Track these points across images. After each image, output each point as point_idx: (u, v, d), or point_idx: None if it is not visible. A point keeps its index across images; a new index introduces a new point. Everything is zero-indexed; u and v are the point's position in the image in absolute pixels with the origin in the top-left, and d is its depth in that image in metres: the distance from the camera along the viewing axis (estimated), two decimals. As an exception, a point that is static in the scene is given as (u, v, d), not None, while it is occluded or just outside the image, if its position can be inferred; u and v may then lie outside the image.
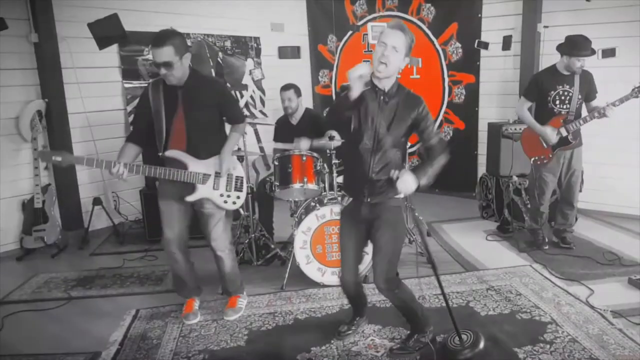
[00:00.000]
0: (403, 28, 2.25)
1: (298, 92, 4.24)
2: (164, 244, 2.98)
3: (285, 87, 4.23)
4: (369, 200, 2.40)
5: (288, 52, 5.75)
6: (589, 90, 3.79)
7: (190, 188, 2.85)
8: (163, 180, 2.87)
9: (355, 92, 2.15)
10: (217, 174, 2.90)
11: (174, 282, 3.23)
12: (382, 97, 2.30)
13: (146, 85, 2.87)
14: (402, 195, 2.41)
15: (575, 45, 3.66)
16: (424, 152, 2.45)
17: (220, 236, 3.01)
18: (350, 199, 2.49)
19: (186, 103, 2.79)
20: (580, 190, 4.12)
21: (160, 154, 2.82)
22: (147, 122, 2.81)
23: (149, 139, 2.83)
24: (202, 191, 2.87)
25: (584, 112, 3.83)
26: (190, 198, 2.85)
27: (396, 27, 2.25)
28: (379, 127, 2.31)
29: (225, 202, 2.95)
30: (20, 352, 2.82)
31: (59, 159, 2.64)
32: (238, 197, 2.99)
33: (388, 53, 2.21)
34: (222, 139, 2.96)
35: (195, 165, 2.84)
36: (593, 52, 3.69)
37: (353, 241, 2.53)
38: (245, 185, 3.04)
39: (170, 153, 2.81)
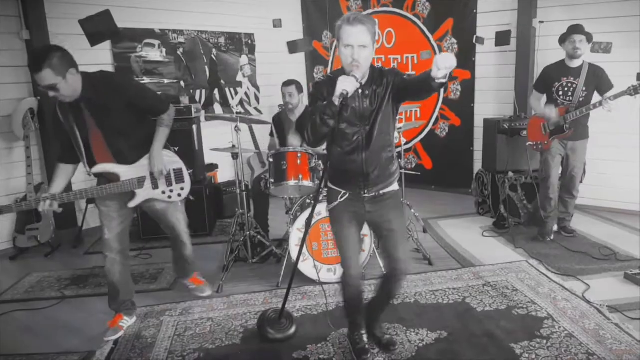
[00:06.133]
0: (362, 20, 2.08)
1: (300, 89, 4.24)
2: (103, 246, 2.87)
3: (287, 83, 4.22)
4: (365, 193, 2.33)
5: (297, 46, 5.49)
6: (599, 84, 3.83)
7: (130, 194, 2.81)
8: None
9: (336, 103, 2.07)
10: (153, 174, 2.84)
11: (108, 290, 3.00)
12: (360, 91, 2.20)
13: (55, 103, 2.66)
14: (396, 187, 2.40)
15: (569, 29, 3.85)
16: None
17: (181, 224, 3.08)
18: (347, 194, 2.35)
19: (94, 114, 2.62)
20: (581, 181, 4.16)
21: (87, 172, 2.72)
22: (67, 139, 2.67)
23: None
24: (142, 194, 2.84)
25: None
26: (132, 204, 2.83)
27: (355, 23, 2.07)
28: (363, 122, 2.23)
29: (170, 197, 2.95)
30: (14, 352, 2.79)
31: None
32: (182, 189, 2.97)
33: (358, 55, 2.08)
34: (150, 134, 2.81)
35: (127, 173, 2.76)
36: (589, 36, 3.81)
37: (355, 233, 2.43)
38: (186, 173, 2.97)
39: (98, 168, 2.72)
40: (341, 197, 2.35)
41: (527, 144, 4.16)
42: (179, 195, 2.98)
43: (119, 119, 2.66)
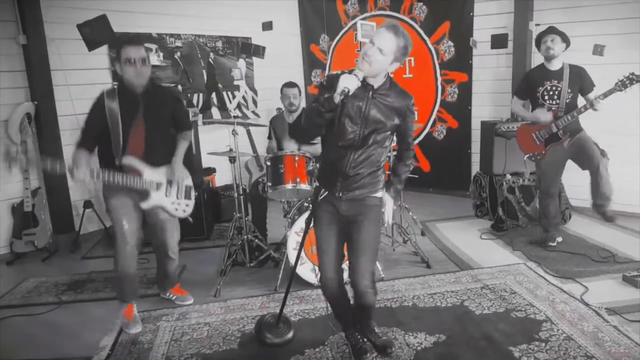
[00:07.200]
0: (396, 30, 2.15)
1: (300, 91, 4.31)
2: (121, 239, 2.87)
3: (291, 84, 4.27)
4: (340, 195, 2.33)
5: (250, 49, 5.44)
6: (582, 84, 3.78)
7: (144, 194, 2.91)
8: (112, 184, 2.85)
9: (336, 100, 2.10)
10: (169, 182, 2.99)
11: (122, 283, 3.01)
12: (370, 93, 2.24)
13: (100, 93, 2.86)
14: (379, 194, 2.39)
15: (542, 31, 3.84)
16: (396, 156, 2.54)
17: (176, 241, 3.18)
18: (326, 192, 2.37)
19: (147, 109, 2.86)
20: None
21: (117, 160, 2.82)
22: (99, 130, 2.81)
23: (97, 145, 2.87)
24: (156, 198, 2.95)
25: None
26: (145, 205, 2.92)
27: (389, 29, 2.15)
28: (364, 123, 2.25)
29: (176, 209, 3.05)
30: (11, 358, 2.78)
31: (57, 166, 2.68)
32: (187, 205, 3.10)
33: (372, 53, 2.13)
34: (174, 148, 3.04)
35: (150, 173, 2.91)
36: (564, 36, 3.74)
37: (334, 235, 2.41)
38: (193, 194, 3.14)
39: (127, 160, 2.84)
40: (321, 196, 2.38)
41: (525, 157, 4.04)
42: (184, 211, 3.08)
43: (162, 123, 2.96)
